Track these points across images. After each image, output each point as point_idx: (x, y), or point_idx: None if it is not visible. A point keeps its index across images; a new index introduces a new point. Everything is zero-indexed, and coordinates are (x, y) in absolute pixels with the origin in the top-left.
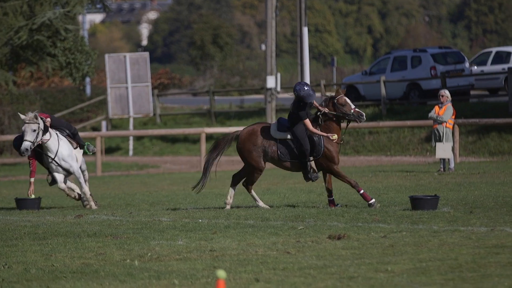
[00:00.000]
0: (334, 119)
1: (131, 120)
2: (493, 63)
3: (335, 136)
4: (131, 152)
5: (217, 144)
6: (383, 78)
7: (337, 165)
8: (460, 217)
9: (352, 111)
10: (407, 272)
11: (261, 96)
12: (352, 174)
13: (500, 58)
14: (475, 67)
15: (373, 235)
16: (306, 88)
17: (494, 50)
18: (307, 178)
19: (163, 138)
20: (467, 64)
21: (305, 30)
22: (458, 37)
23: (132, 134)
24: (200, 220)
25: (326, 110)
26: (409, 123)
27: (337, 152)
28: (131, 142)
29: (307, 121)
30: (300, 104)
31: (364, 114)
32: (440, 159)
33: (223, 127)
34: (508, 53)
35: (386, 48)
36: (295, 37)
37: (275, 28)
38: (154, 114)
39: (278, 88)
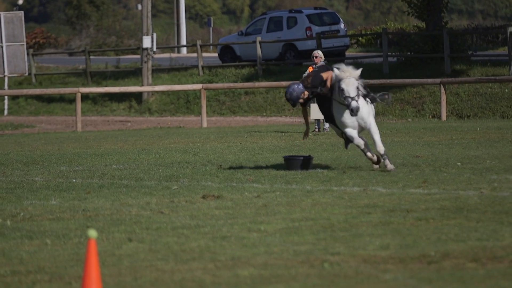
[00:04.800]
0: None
1: (6, 80)
2: None
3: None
4: (6, 112)
5: None
6: (259, 38)
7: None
8: (333, 177)
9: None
10: (280, 232)
11: (137, 56)
12: (228, 134)
13: None
14: None
15: (247, 195)
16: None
17: None
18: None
19: (39, 98)
20: (342, 25)
21: None
22: None
23: (7, 93)
24: (74, 180)
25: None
26: (284, 83)
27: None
28: (6, 102)
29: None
30: None
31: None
32: (315, 119)
33: (99, 87)
34: None
35: (263, 9)
36: None
37: None
38: (30, 74)
39: (154, 48)
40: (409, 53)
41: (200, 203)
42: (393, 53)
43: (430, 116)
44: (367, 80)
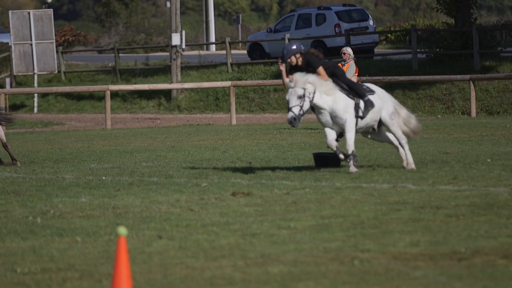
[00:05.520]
0: None
1: (36, 77)
2: None
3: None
4: (36, 109)
5: None
6: (287, 35)
7: None
8: (363, 174)
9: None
10: (310, 229)
11: (166, 54)
12: (257, 131)
13: None
14: None
15: (276, 192)
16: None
17: None
18: None
19: (68, 95)
20: (371, 22)
21: None
22: None
23: (36, 91)
24: (104, 178)
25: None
26: None
27: None
28: (36, 99)
29: None
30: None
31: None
32: None
33: (128, 85)
34: None
35: (292, 6)
36: None
37: None
38: (59, 71)
39: (183, 46)
40: (438, 49)
41: (230, 200)
42: (422, 50)
43: (460, 113)
44: (396, 77)
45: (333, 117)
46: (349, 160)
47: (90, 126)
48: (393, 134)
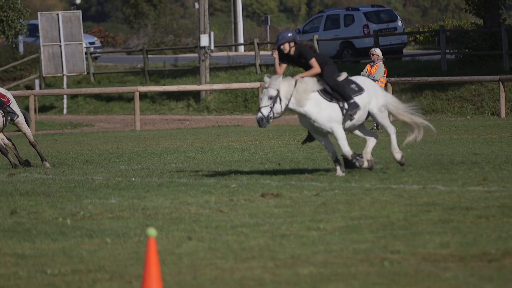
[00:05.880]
0: None
1: (65, 79)
2: None
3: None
4: (65, 111)
5: None
6: (316, 36)
7: None
8: (392, 175)
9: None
10: (339, 230)
11: (195, 55)
12: (286, 132)
13: None
14: None
15: (305, 193)
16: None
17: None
18: None
19: (97, 97)
20: (399, 23)
21: None
22: None
23: (66, 92)
24: (133, 179)
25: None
26: None
27: None
28: (65, 101)
29: None
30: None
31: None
32: None
33: (157, 86)
34: None
35: (320, 7)
36: None
37: None
38: (88, 73)
39: (212, 47)
40: (467, 50)
41: (259, 201)
42: (451, 51)
43: (489, 114)
44: (425, 78)
45: (316, 126)
46: (355, 161)
47: (119, 127)
48: (381, 125)
